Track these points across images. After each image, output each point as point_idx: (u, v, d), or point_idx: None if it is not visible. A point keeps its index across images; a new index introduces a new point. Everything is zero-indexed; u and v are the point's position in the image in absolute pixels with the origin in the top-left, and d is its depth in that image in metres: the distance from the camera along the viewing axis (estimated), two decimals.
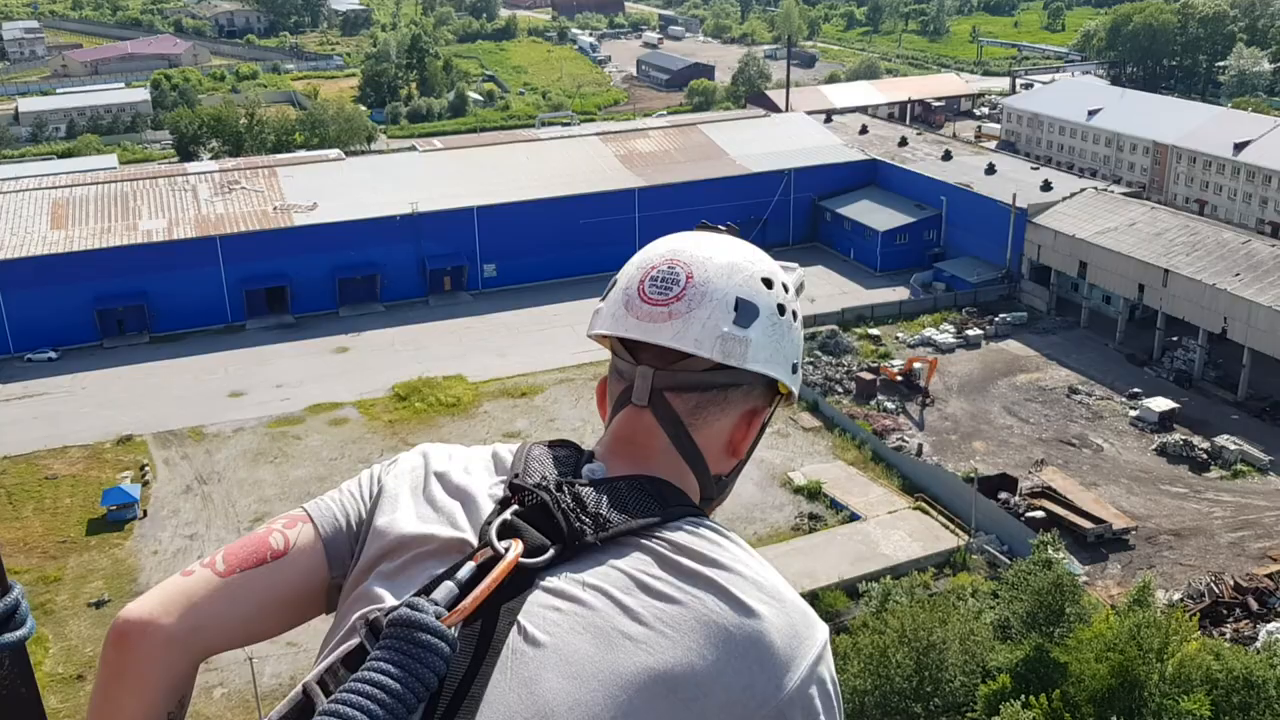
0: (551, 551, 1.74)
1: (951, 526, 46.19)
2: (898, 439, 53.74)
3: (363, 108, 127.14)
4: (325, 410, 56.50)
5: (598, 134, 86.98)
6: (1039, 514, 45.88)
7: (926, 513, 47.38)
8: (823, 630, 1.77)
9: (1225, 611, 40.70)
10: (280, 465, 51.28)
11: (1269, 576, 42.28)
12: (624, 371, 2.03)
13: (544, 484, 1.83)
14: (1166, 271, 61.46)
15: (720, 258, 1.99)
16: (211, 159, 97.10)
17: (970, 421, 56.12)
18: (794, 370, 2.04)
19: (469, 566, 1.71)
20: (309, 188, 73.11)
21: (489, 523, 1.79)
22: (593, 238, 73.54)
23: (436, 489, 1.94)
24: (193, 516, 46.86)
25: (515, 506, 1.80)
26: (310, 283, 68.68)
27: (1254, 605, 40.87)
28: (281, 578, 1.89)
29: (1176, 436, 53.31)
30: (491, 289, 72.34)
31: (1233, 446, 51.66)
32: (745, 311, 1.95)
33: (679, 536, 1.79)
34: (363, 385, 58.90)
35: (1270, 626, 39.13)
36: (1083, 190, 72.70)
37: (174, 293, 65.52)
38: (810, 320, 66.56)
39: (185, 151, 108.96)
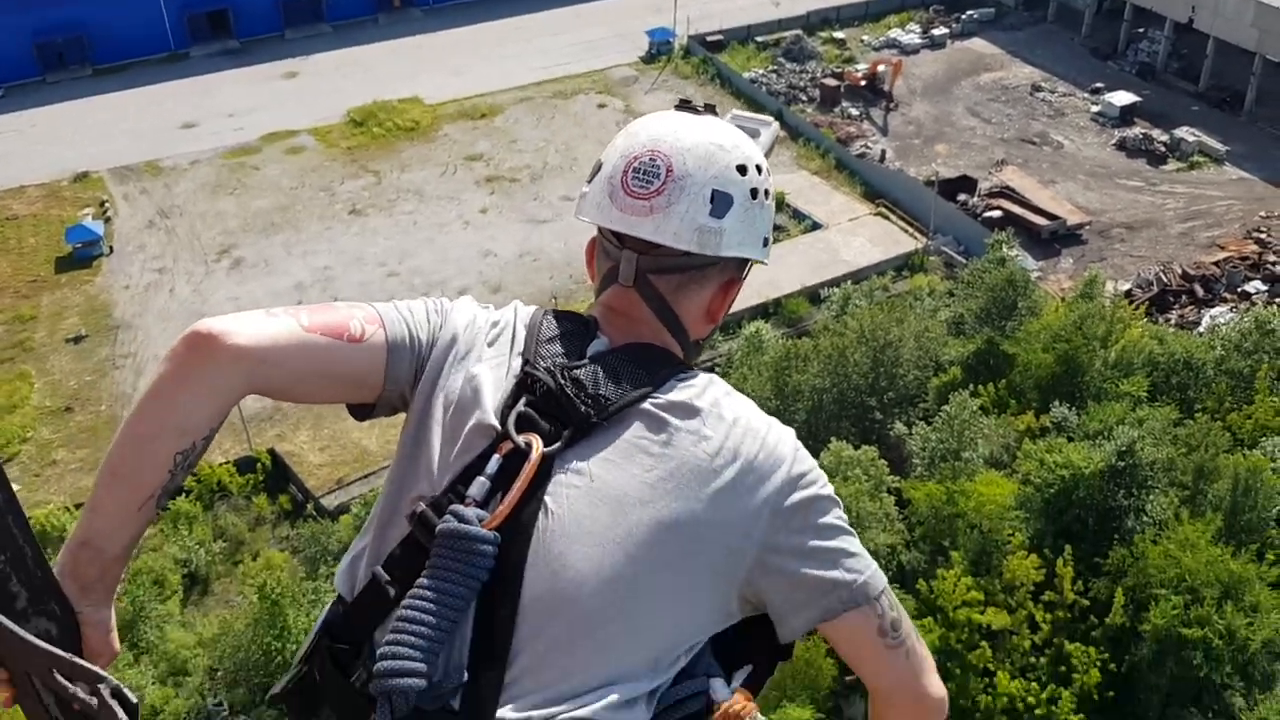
0: (565, 435, 1.97)
1: (911, 230, 46.96)
2: (861, 146, 53.63)
3: None
4: (281, 139, 55.46)
5: None
6: (996, 213, 46.62)
7: (887, 218, 48.02)
8: (790, 440, 2.05)
9: (1172, 299, 42.28)
10: (241, 197, 50.91)
11: (1215, 264, 43.67)
12: (610, 253, 2.20)
13: (551, 370, 2.02)
14: None
15: (698, 148, 2.12)
16: None
17: (933, 124, 55.88)
18: (765, 244, 2.25)
19: (495, 460, 1.95)
20: None
21: (509, 408, 2.00)
22: None
23: (473, 362, 2.12)
24: (159, 251, 46.92)
25: (528, 395, 2.01)
26: (252, 3, 65.55)
27: (1200, 292, 42.42)
28: (347, 359, 2.04)
29: (1136, 130, 53.44)
30: (443, 4, 69.33)
31: (1190, 138, 51.96)
32: (720, 202, 2.10)
33: (667, 395, 2.03)
34: (316, 111, 57.53)
35: (1213, 311, 40.82)
36: None
37: (112, 21, 62.46)
38: (774, 25, 64.77)
39: None
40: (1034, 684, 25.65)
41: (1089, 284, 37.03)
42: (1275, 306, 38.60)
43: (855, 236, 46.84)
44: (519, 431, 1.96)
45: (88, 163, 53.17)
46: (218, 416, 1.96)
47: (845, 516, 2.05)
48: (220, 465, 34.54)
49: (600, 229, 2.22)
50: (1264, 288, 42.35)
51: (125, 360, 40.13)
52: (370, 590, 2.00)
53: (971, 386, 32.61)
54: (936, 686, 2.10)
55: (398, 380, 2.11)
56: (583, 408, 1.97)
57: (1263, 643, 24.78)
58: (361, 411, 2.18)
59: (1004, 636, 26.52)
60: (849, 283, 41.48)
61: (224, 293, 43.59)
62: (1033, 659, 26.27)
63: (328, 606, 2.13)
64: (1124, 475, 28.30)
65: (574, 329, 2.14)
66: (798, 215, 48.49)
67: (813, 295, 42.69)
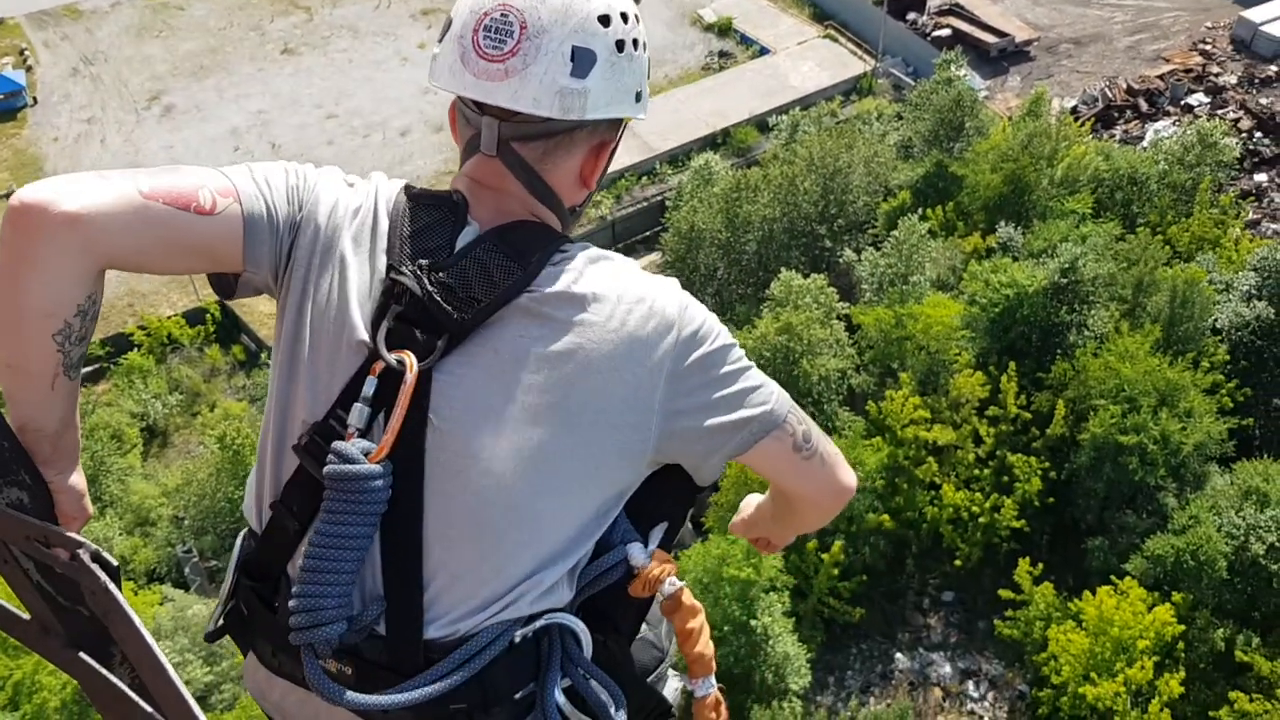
0: (440, 346, 1.85)
1: (859, 53, 46.24)
2: None
3: None
4: None
5: None
6: (945, 32, 45.95)
7: (836, 40, 47.16)
8: (674, 300, 1.95)
9: (1116, 115, 42.29)
10: (167, 39, 48.89)
11: (1160, 77, 43.57)
12: (470, 119, 2.02)
13: (417, 275, 1.88)
14: None
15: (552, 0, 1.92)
16: None
17: None
18: (638, 99, 2.04)
19: (371, 382, 1.85)
20: None
21: (379, 321, 1.88)
22: None
23: (337, 264, 1.96)
24: (86, 100, 45.25)
25: (395, 305, 1.88)
26: None
27: (1144, 106, 42.44)
28: (197, 232, 1.87)
29: None
30: None
31: None
32: (581, 60, 1.91)
33: (543, 287, 1.90)
34: None
35: (1157, 125, 40.93)
36: None
37: None
38: None
39: None
40: (978, 494, 26.75)
41: (1035, 102, 36.92)
42: (1217, 119, 38.76)
43: (803, 61, 46.07)
44: (391, 347, 1.85)
45: (1, 9, 50.59)
46: (78, 288, 1.79)
47: (741, 354, 2.01)
48: (169, 318, 34.27)
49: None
50: (1206, 100, 42.44)
51: None
52: (274, 526, 1.97)
53: (920, 210, 32.79)
54: (848, 477, 2.17)
55: (258, 264, 1.97)
56: (455, 314, 1.86)
57: (1195, 446, 25.86)
58: (224, 288, 2.04)
59: (949, 451, 27.49)
60: (797, 109, 41.00)
61: (157, 141, 42.35)
62: (977, 471, 27.31)
63: (240, 542, 2.09)
64: (1066, 292, 28.88)
65: (439, 217, 1.98)
66: (745, 40, 47.52)
67: (761, 124, 42.24)
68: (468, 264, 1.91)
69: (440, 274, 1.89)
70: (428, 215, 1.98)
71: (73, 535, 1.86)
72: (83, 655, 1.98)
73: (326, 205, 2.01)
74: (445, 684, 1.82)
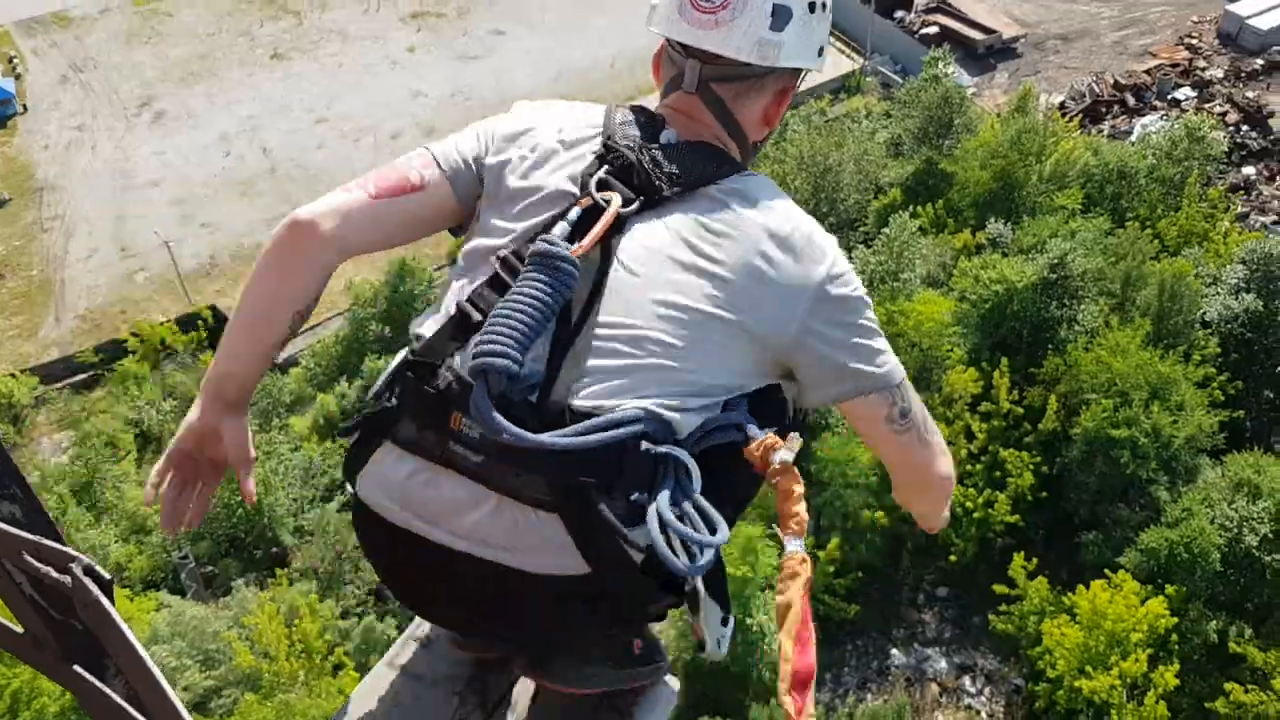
0: (639, 202, 2.18)
1: (847, 51, 46.30)
2: None
3: None
4: None
5: None
6: (933, 30, 46.06)
7: None
8: (833, 242, 2.25)
9: (1104, 110, 42.44)
10: (157, 46, 48.84)
11: (1147, 72, 43.71)
12: (675, 61, 2.37)
13: (630, 146, 2.23)
14: None
15: None
16: None
17: None
18: (819, 53, 2.39)
19: (576, 211, 2.15)
20: None
21: (590, 174, 2.22)
22: None
23: (544, 148, 2.32)
24: (76, 107, 45.19)
25: (607, 166, 2.22)
26: None
27: (1131, 101, 42.60)
28: (418, 205, 2.32)
29: None
30: None
31: None
32: (780, 16, 2.26)
33: (730, 185, 2.23)
34: None
35: (1144, 120, 41.07)
36: None
37: None
38: None
39: None
40: (971, 490, 26.83)
41: (1023, 98, 37.02)
42: (1204, 113, 38.91)
43: None
44: (599, 192, 2.18)
45: None
46: (322, 283, 2.28)
47: (875, 319, 2.26)
48: (162, 324, 34.23)
49: (668, 39, 2.38)
50: (1193, 94, 42.61)
51: (54, 223, 39.16)
52: (456, 318, 2.21)
53: (910, 207, 32.86)
54: (944, 466, 2.37)
55: (471, 194, 2.36)
56: (657, 180, 2.19)
57: (1186, 439, 25.97)
58: (456, 230, 2.44)
59: None
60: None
61: (149, 148, 42.31)
62: (970, 467, 27.38)
63: (401, 353, 2.32)
64: (1056, 287, 28.98)
65: (646, 120, 2.33)
66: None
67: None
68: (675, 152, 2.25)
69: (651, 150, 2.23)
70: (636, 115, 2.33)
71: (65, 549, 1.89)
72: (77, 668, 2.01)
73: (520, 118, 2.40)
74: (585, 439, 2.02)
